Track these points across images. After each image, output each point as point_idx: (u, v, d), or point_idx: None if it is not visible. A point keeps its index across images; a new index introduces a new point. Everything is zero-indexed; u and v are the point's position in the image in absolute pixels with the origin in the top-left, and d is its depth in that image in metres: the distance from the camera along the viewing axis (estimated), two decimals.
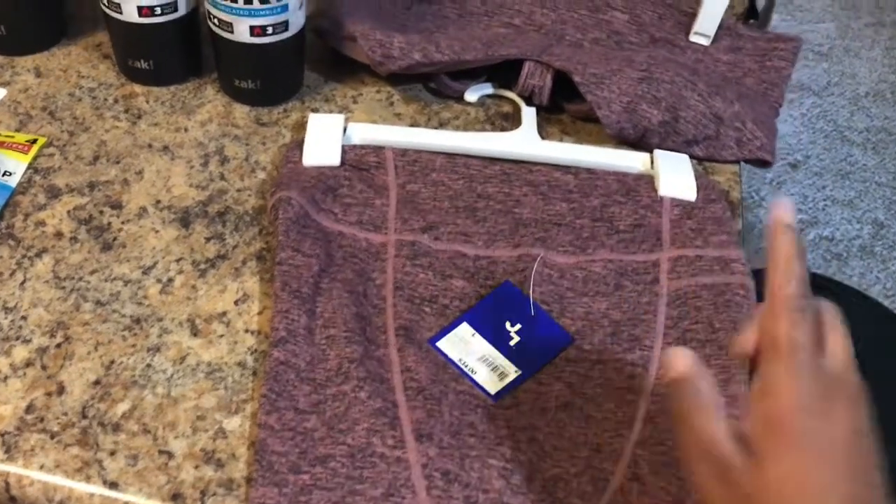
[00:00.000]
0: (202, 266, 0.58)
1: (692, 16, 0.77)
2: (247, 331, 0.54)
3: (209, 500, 0.46)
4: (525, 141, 0.67)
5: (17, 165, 0.62)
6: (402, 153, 0.63)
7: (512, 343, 0.54)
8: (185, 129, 0.67)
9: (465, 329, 0.54)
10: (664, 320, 0.55)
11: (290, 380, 0.50)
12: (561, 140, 0.69)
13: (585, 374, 0.52)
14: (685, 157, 0.66)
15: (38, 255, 0.57)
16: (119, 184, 0.63)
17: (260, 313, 0.55)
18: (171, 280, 0.57)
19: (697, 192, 0.62)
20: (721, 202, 0.62)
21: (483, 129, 0.70)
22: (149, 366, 0.52)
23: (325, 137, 0.63)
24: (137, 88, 0.70)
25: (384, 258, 0.57)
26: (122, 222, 0.60)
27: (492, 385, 0.52)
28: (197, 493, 0.47)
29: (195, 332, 0.54)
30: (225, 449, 0.49)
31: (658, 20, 0.77)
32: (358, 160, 0.62)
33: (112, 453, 0.48)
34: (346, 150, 0.63)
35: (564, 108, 0.71)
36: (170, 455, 0.48)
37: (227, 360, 0.53)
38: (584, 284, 0.57)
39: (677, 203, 0.62)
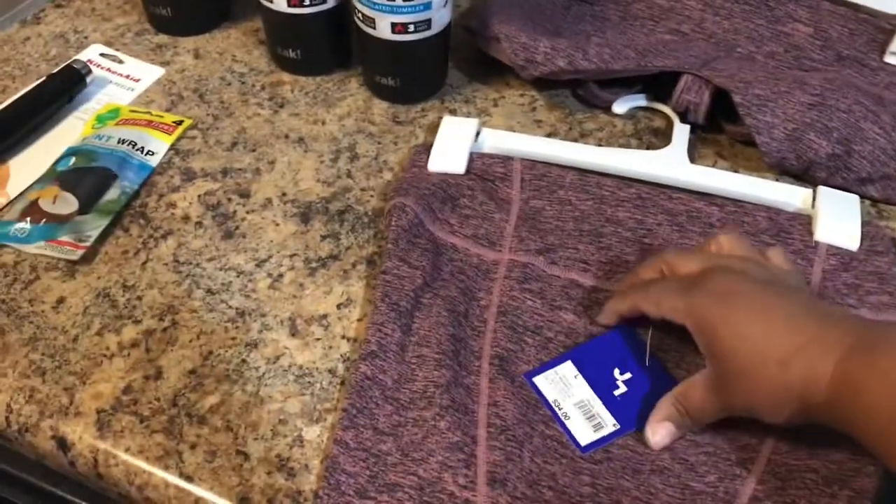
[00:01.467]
0: (313, 264, 0.57)
1: (890, 33, 0.67)
2: (343, 337, 0.53)
3: None
4: (671, 161, 0.61)
5: (160, 145, 0.64)
6: (532, 166, 0.60)
7: (617, 393, 0.49)
8: (323, 122, 0.67)
9: (567, 368, 0.50)
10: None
11: (374, 397, 0.48)
12: (714, 164, 0.63)
13: (693, 438, 0.47)
14: (855, 198, 0.57)
15: (164, 236, 0.59)
16: (251, 172, 0.63)
17: (360, 320, 0.54)
18: (281, 276, 0.57)
19: (862, 240, 0.54)
20: (889, 255, 0.54)
21: (628, 144, 0.64)
22: (244, 361, 0.52)
23: (454, 143, 0.60)
24: (285, 77, 0.71)
25: (493, 277, 0.54)
26: (247, 212, 0.61)
27: (584, 435, 0.48)
28: (265, 500, 0.46)
29: (294, 332, 0.53)
30: (300, 458, 0.48)
31: (848, 36, 0.68)
32: (484, 170, 0.59)
33: (193, 446, 0.48)
34: (473, 158, 0.60)
35: (724, 129, 0.65)
36: (246, 456, 0.48)
37: (318, 366, 0.52)
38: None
39: (835, 251, 0.54)
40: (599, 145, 0.64)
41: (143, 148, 0.64)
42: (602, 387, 0.50)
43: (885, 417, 0.38)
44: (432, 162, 0.60)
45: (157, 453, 0.48)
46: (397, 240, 0.54)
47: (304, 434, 0.49)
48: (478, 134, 0.62)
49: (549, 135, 0.65)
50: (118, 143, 0.64)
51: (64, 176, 0.61)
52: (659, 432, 0.47)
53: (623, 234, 0.56)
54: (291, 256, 0.58)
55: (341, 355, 0.52)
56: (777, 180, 0.61)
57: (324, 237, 0.59)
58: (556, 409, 0.49)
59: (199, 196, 0.62)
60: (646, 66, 0.63)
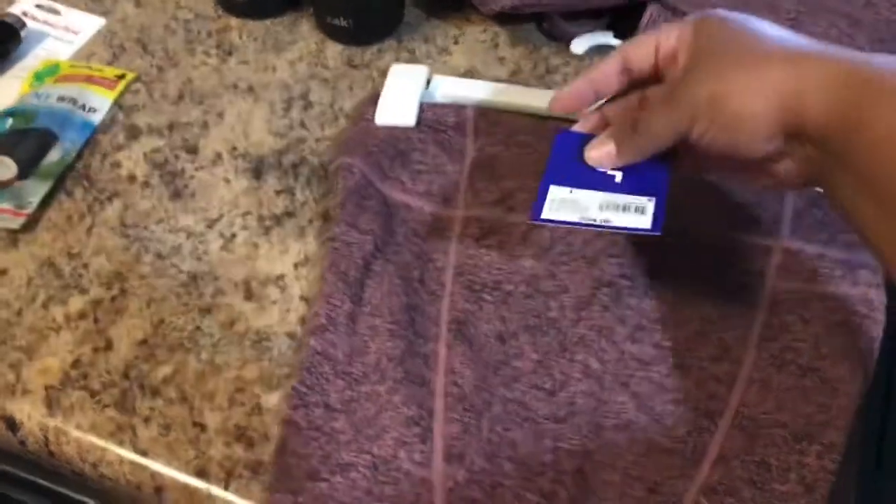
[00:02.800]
0: (267, 223, 0.54)
1: None
2: (301, 297, 0.51)
3: (234, 481, 0.44)
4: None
5: (102, 102, 0.61)
6: (486, 113, 0.57)
7: (618, 180, 0.44)
8: (273, 69, 0.63)
9: (558, 191, 0.45)
10: (760, 329, 0.46)
11: (325, 372, 0.46)
12: None
13: (660, 382, 0.45)
14: None
15: (110, 199, 0.56)
16: (199, 126, 0.60)
17: (318, 279, 0.51)
18: (233, 236, 0.54)
19: None
20: None
21: None
22: (197, 328, 0.50)
23: (403, 93, 0.57)
24: (233, 21, 0.67)
25: (448, 236, 0.51)
26: (196, 168, 0.58)
27: (639, 221, 0.42)
28: (223, 472, 0.44)
29: (249, 296, 0.51)
30: (258, 427, 0.46)
31: None
32: (436, 120, 0.56)
33: (147, 420, 0.46)
34: (424, 108, 0.57)
35: None
36: (202, 428, 0.46)
37: (276, 329, 0.50)
38: (681, 256, 0.49)
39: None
40: (565, 82, 0.61)
41: (84, 105, 0.60)
42: (602, 184, 0.44)
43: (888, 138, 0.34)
44: (380, 115, 0.56)
45: (109, 428, 0.46)
46: (345, 203, 0.51)
47: (262, 402, 0.47)
48: (429, 82, 0.59)
49: (512, 73, 0.62)
50: (58, 100, 0.60)
51: (1, 139, 0.58)
52: (595, 148, 0.44)
53: None
54: (244, 215, 0.55)
55: (300, 317, 0.50)
56: None
57: (278, 193, 0.56)
58: (591, 222, 0.43)
59: (144, 154, 0.58)
60: None
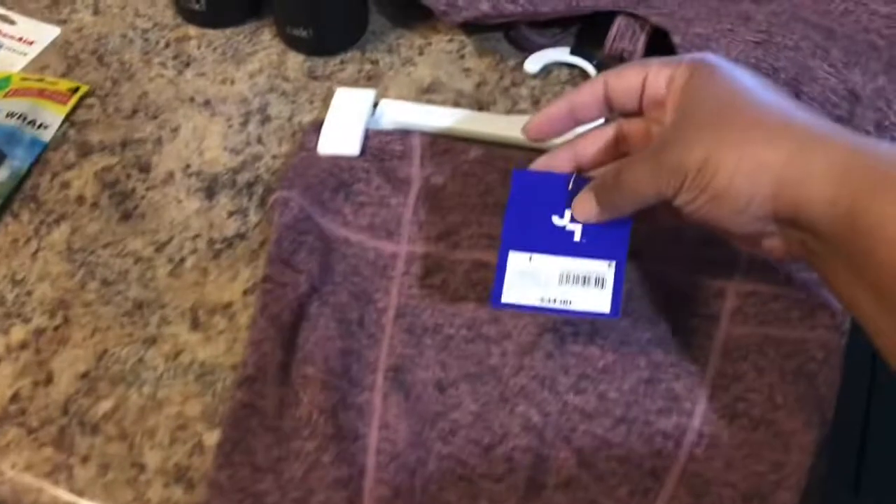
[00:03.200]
0: (218, 246, 0.53)
1: None
2: (249, 328, 0.49)
3: None
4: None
5: (53, 118, 0.59)
6: (433, 141, 0.54)
7: (577, 238, 0.43)
8: (232, 82, 0.61)
9: (517, 260, 0.43)
10: (712, 378, 0.44)
11: (252, 427, 0.43)
12: None
13: (603, 436, 0.43)
14: None
15: (57, 221, 0.54)
16: (152, 143, 0.58)
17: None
18: (182, 260, 0.52)
19: None
20: None
21: (563, 92, 0.59)
22: (140, 360, 0.48)
23: (347, 120, 0.54)
24: (192, 31, 0.65)
25: (390, 276, 0.49)
26: (147, 188, 0.56)
27: (598, 302, 0.41)
28: None
29: (195, 325, 0.49)
30: (199, 467, 0.44)
31: None
32: (381, 148, 0.53)
33: (85, 459, 0.45)
34: (370, 136, 0.54)
35: None
36: (142, 468, 0.44)
37: (221, 361, 0.48)
38: (629, 299, 0.46)
39: None
40: (531, 95, 0.59)
41: (34, 121, 0.59)
42: (560, 244, 0.43)
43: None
44: (322, 143, 0.53)
45: (45, 468, 0.45)
46: (280, 240, 0.49)
47: (204, 440, 0.45)
48: (375, 106, 0.56)
49: (477, 85, 0.60)
50: (6, 116, 0.58)
51: None
52: (579, 204, 0.42)
53: None
54: (194, 238, 0.53)
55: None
56: None
57: (230, 213, 0.54)
58: (551, 304, 0.42)
59: (95, 173, 0.57)
60: (577, 7, 0.57)
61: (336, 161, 0.53)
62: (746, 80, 0.39)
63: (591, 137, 0.46)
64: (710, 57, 0.40)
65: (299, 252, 0.49)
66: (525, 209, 0.45)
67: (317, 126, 0.55)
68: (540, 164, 0.46)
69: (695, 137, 0.37)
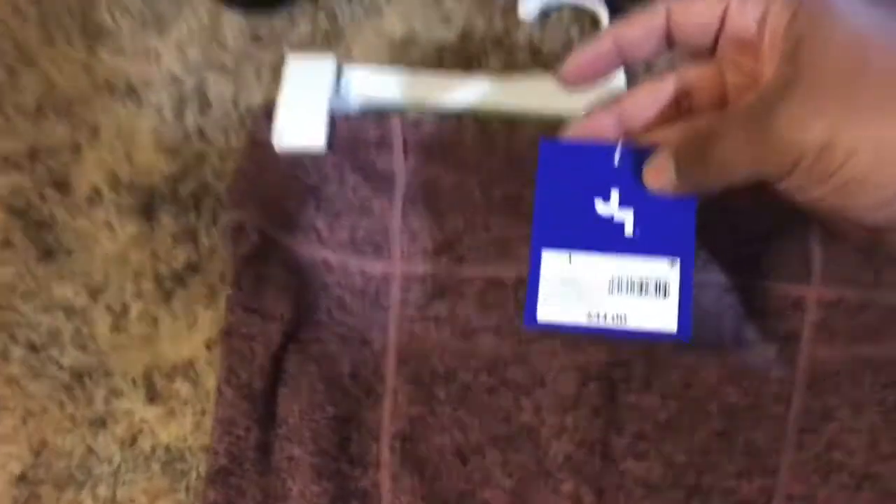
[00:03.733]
0: (167, 284, 0.42)
1: None
2: (215, 402, 0.39)
3: None
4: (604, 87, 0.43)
5: None
6: (417, 122, 0.42)
7: (628, 230, 0.33)
8: (157, 57, 0.49)
9: (554, 261, 0.33)
10: (799, 416, 0.35)
11: None
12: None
13: None
14: None
15: None
16: (68, 150, 0.47)
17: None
18: (125, 308, 0.42)
19: None
20: None
21: (566, 41, 0.48)
22: (90, 450, 0.39)
23: (306, 101, 0.42)
24: None
25: (385, 305, 0.39)
26: (69, 214, 0.45)
27: (661, 317, 0.32)
28: None
29: (152, 396, 0.40)
30: None
31: None
32: (352, 138, 0.42)
33: None
34: (336, 121, 0.42)
35: None
36: None
37: (190, 443, 0.39)
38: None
39: None
40: (529, 44, 0.47)
41: None
42: (607, 239, 0.33)
43: None
44: (278, 136, 0.41)
45: None
46: (240, 279, 0.38)
47: None
48: (339, 79, 0.44)
49: (461, 36, 0.48)
50: None
51: None
52: (652, 172, 0.32)
53: None
54: (136, 276, 0.43)
55: None
56: None
57: (176, 238, 0.44)
58: (601, 319, 0.32)
59: (1, 197, 0.45)
60: None
61: (298, 159, 0.41)
62: (873, 21, 0.28)
63: (642, 92, 0.35)
64: None
65: (265, 291, 0.38)
66: (559, 192, 0.34)
67: (267, 112, 0.43)
68: (576, 131, 0.35)
69: (815, 104, 0.27)
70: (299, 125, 0.42)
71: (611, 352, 0.36)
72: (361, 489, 0.36)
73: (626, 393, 0.36)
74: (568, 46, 0.47)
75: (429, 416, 0.37)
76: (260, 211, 0.40)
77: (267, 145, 0.42)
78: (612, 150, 0.34)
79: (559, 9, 0.48)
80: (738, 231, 0.38)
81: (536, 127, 0.42)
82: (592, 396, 0.36)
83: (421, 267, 0.40)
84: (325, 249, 0.40)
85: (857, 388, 0.35)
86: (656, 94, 0.35)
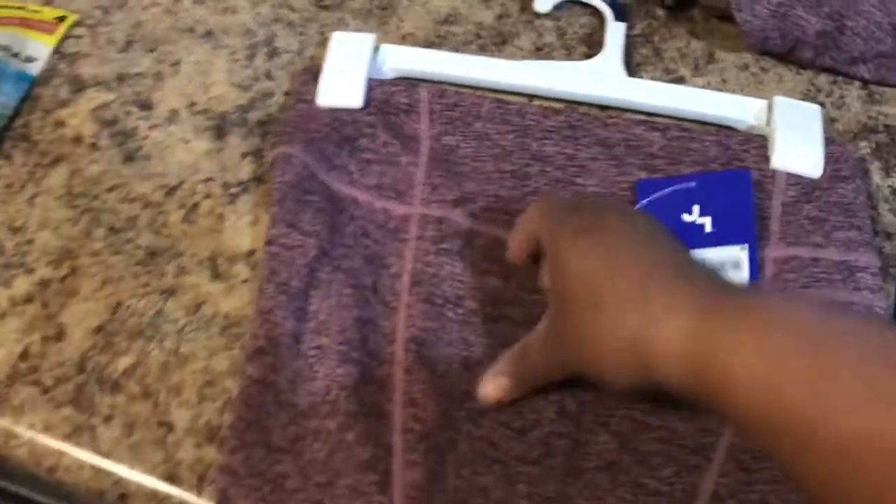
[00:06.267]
0: (233, 190, 0.49)
1: None
2: (258, 294, 0.46)
3: (208, 486, 0.40)
4: (603, 74, 0.52)
5: (40, 49, 0.54)
6: (441, 93, 0.50)
7: (707, 230, 0.45)
8: (234, 11, 0.57)
9: None
10: None
11: (266, 404, 0.40)
12: (687, 45, 0.55)
13: (643, 420, 0.40)
14: (816, 109, 0.50)
15: (54, 163, 0.50)
16: (151, 77, 0.54)
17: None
18: (195, 206, 0.49)
19: (825, 164, 0.47)
20: (854, 181, 0.47)
21: (589, 29, 0.56)
22: (159, 312, 0.45)
23: (348, 68, 0.50)
24: None
25: (404, 238, 0.46)
26: (150, 127, 0.52)
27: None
28: (195, 477, 0.41)
29: (216, 275, 0.46)
30: None
31: None
32: (385, 101, 0.50)
33: (107, 419, 0.42)
34: (372, 85, 0.50)
35: (698, 2, 0.57)
36: (170, 428, 0.42)
37: (247, 313, 0.45)
38: None
39: (794, 181, 0.47)
40: (557, 28, 0.56)
41: (19, 53, 0.54)
42: (694, 238, 0.45)
43: (745, 392, 0.30)
44: (322, 94, 0.49)
45: (65, 429, 0.42)
46: (283, 199, 0.45)
47: (234, 396, 0.43)
48: (376, 51, 0.52)
49: (499, 17, 0.56)
50: None
51: None
52: (488, 385, 0.41)
53: (552, 174, 0.48)
54: (206, 181, 0.50)
55: None
56: (727, 89, 0.54)
57: (244, 155, 0.51)
58: None
59: (91, 111, 0.52)
60: None
61: (337, 114, 0.49)
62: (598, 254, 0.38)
63: None
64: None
65: (305, 212, 0.45)
66: (654, 211, 0.47)
67: (313, 74, 0.51)
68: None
69: (566, 338, 0.39)
70: (340, 87, 0.50)
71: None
72: (378, 377, 0.42)
73: None
74: (588, 33, 0.55)
75: (439, 330, 0.43)
76: (304, 148, 0.47)
77: (311, 101, 0.50)
78: (689, 181, 0.47)
79: (570, 4, 0.57)
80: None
81: (540, 102, 0.51)
82: None
83: (438, 211, 0.47)
84: (354, 188, 0.47)
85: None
86: None
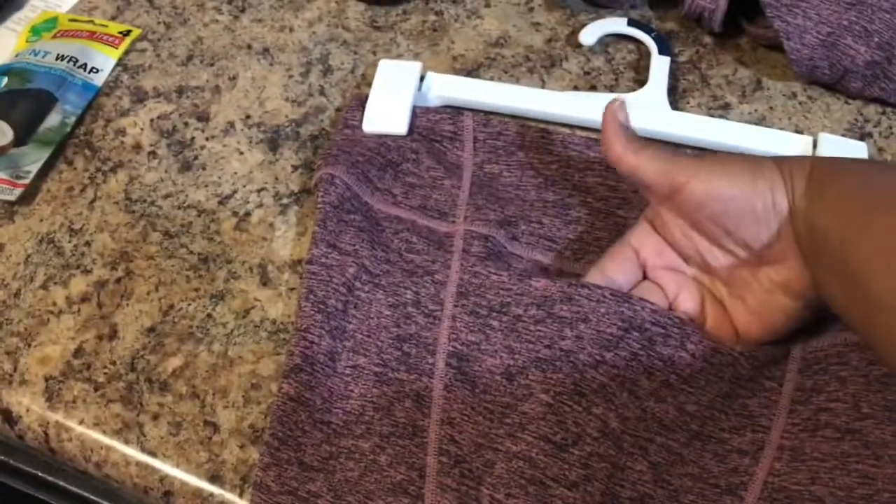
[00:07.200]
0: (284, 200, 0.51)
1: None
2: (296, 313, 0.47)
3: (249, 488, 0.41)
4: (648, 107, 0.52)
5: (105, 61, 0.56)
6: (485, 122, 0.51)
7: None
8: (290, 29, 0.59)
9: None
10: (792, 392, 0.40)
11: (300, 421, 0.41)
12: (735, 73, 0.56)
13: (679, 451, 0.40)
14: (862, 147, 0.50)
15: (114, 169, 0.52)
16: (209, 91, 0.56)
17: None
18: (248, 214, 0.50)
19: None
20: None
21: (634, 59, 0.57)
22: (209, 316, 0.46)
23: (393, 95, 0.51)
24: None
25: (449, 250, 0.46)
26: (207, 138, 0.53)
27: None
28: (238, 477, 0.41)
29: (265, 281, 0.47)
30: None
31: None
32: (430, 128, 0.51)
33: (155, 417, 0.43)
34: (417, 113, 0.51)
35: (745, 31, 0.57)
36: (215, 427, 0.43)
37: (293, 320, 0.46)
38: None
39: None
40: (606, 52, 0.57)
41: (85, 65, 0.56)
42: None
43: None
44: (368, 121, 0.50)
45: (114, 426, 0.43)
46: (325, 220, 0.46)
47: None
48: (422, 79, 0.53)
49: (548, 41, 0.57)
50: (57, 59, 0.56)
51: None
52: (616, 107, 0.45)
53: (593, 205, 0.48)
54: (259, 191, 0.51)
55: None
56: (772, 125, 0.54)
57: (295, 167, 0.52)
58: None
59: (151, 120, 0.54)
60: None
61: (382, 140, 0.50)
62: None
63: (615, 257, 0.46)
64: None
65: (346, 232, 0.46)
66: None
67: (360, 101, 0.52)
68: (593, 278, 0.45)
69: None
70: (386, 114, 0.51)
71: (654, 311, 0.43)
72: (415, 390, 0.42)
73: (662, 346, 0.42)
74: (636, 58, 0.56)
75: (483, 342, 0.43)
76: (348, 170, 0.48)
77: (357, 127, 0.51)
78: None
79: (620, 36, 0.57)
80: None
81: (584, 133, 0.52)
82: (633, 343, 0.42)
83: (483, 229, 0.47)
84: (398, 208, 0.48)
85: (844, 367, 0.40)
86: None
